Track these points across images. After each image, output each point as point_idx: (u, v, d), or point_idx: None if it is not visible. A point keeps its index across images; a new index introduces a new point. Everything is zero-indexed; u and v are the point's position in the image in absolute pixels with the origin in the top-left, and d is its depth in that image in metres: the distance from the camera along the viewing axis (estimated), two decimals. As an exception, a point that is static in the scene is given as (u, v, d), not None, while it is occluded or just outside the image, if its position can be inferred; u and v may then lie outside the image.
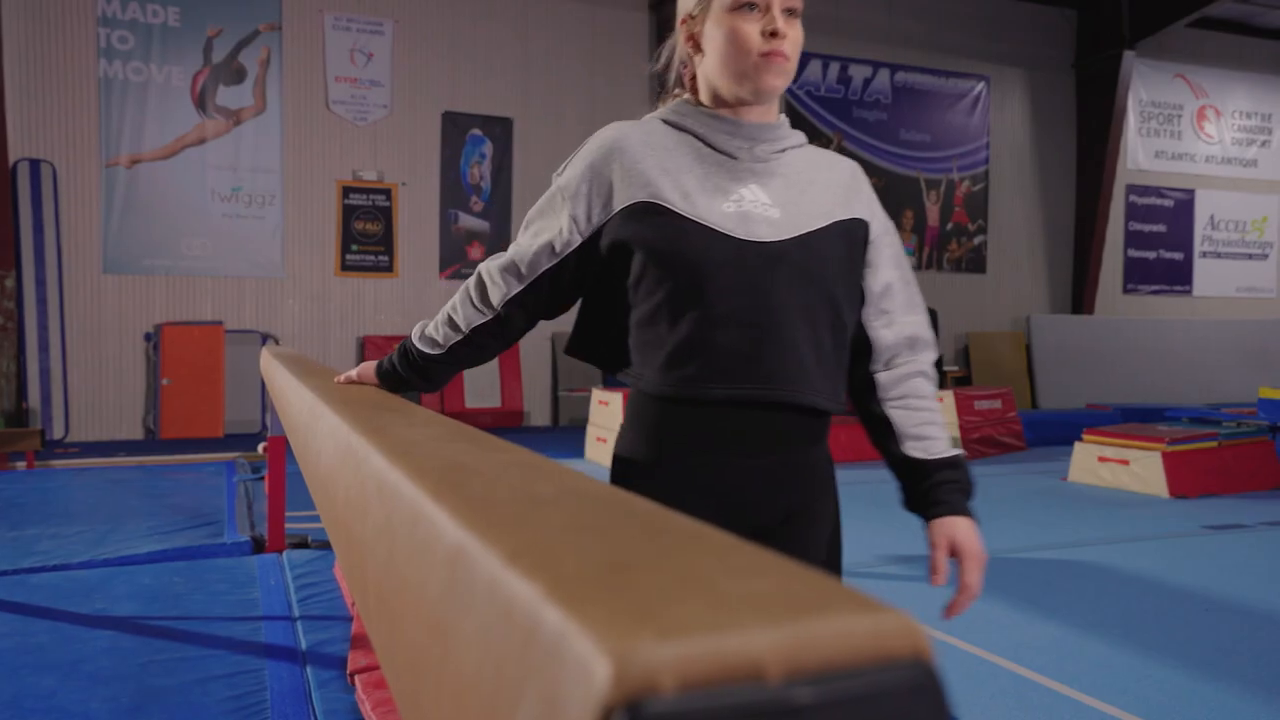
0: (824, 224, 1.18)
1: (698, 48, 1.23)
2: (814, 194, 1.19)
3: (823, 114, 12.20)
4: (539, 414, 11.12)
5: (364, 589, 0.66)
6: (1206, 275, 14.99)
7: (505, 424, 10.45)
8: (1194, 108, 14.73)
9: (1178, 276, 14.81)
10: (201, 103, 9.70)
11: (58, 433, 9.09)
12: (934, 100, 12.87)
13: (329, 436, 0.91)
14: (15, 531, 4.31)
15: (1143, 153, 14.49)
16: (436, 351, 1.30)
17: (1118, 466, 6.57)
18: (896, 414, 1.25)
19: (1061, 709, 2.62)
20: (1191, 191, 14.85)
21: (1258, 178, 15.33)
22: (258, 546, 4.11)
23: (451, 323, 1.27)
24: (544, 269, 1.20)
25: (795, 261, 1.13)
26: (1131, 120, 14.21)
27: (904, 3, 12.58)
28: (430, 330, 1.30)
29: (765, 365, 1.11)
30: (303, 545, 4.12)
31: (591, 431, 7.87)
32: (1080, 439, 6.97)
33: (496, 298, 1.23)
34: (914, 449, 1.23)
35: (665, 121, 1.23)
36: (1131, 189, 14.43)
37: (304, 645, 2.89)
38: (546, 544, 0.35)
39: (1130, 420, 9.84)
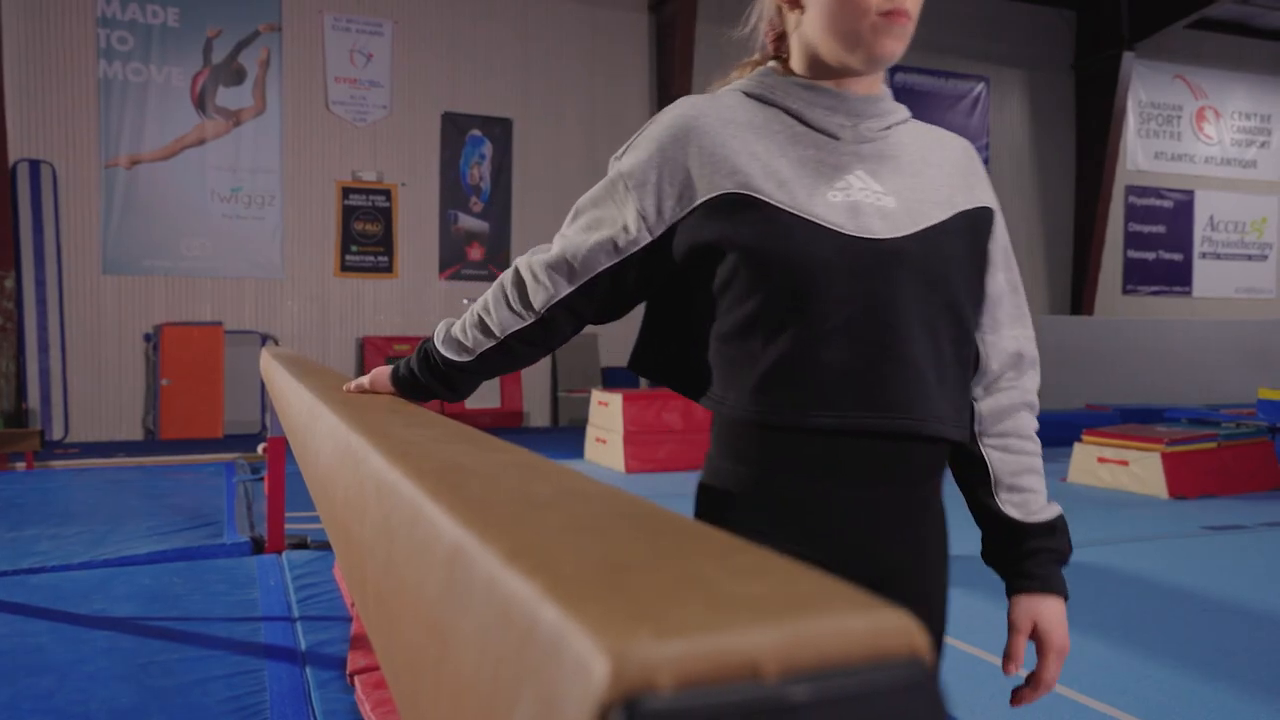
0: (946, 215, 1.00)
1: (795, 3, 1.01)
2: (931, 179, 1.02)
3: (822, 115, 12.22)
4: (539, 415, 11.13)
5: (363, 589, 0.66)
6: (1206, 276, 15.00)
7: (505, 425, 10.45)
8: (1193, 108, 14.75)
9: (1177, 277, 14.82)
10: (201, 103, 9.71)
11: (57, 433, 9.09)
12: (933, 101, 12.88)
13: (328, 436, 0.91)
14: (14, 532, 4.31)
15: (1142, 153, 14.50)
16: (464, 358, 1.10)
17: (1117, 467, 6.57)
18: (994, 456, 1.06)
19: (1061, 709, 2.62)
20: (1191, 192, 14.86)
21: (1257, 178, 15.34)
22: (257, 547, 4.11)
23: (483, 325, 1.07)
24: (602, 269, 1.00)
25: (916, 262, 0.95)
26: (1131, 121, 14.22)
27: (903, 3, 12.59)
28: (457, 332, 1.10)
29: (882, 389, 0.93)
30: (302, 546, 4.13)
31: (591, 432, 7.87)
32: (1079, 440, 6.98)
33: (540, 300, 1.03)
34: (1010, 504, 1.06)
35: (748, 95, 1.03)
36: (1131, 190, 14.44)
37: (303, 646, 2.89)
38: (545, 544, 0.35)
39: (1130, 421, 9.85)
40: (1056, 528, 1.06)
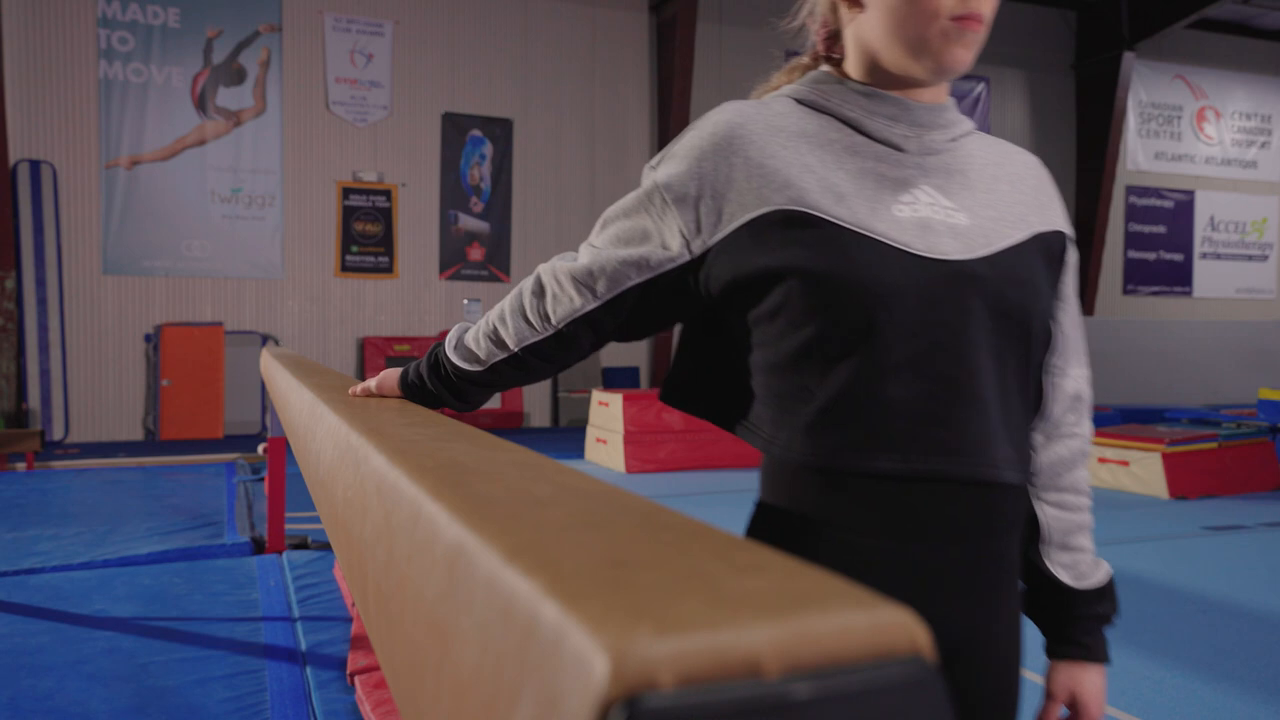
0: (1023, 236, 0.90)
1: (855, 1, 0.91)
2: (1004, 196, 0.92)
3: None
4: (539, 415, 11.13)
5: (364, 589, 0.66)
6: (1206, 276, 15.00)
7: (505, 425, 10.45)
8: (1194, 109, 14.75)
9: (1178, 278, 14.82)
10: (201, 104, 9.71)
11: (58, 434, 9.09)
12: (934, 101, 12.87)
13: (328, 436, 0.91)
14: (15, 532, 4.31)
15: (1142, 154, 14.50)
16: (474, 368, 1.03)
17: (1117, 467, 6.58)
18: (1049, 513, 0.98)
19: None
20: (1191, 193, 14.87)
21: (1257, 179, 15.35)
22: (258, 547, 4.11)
23: (497, 335, 1.00)
24: (630, 285, 0.91)
25: (990, 287, 0.86)
26: (1131, 121, 14.22)
27: (904, 4, 12.60)
28: (470, 340, 1.03)
29: (954, 430, 0.84)
30: (302, 546, 4.13)
31: (591, 433, 7.87)
32: (1080, 440, 6.97)
33: (560, 313, 0.95)
34: (1060, 565, 0.98)
35: (800, 101, 0.92)
36: (1131, 190, 14.44)
37: (304, 646, 2.89)
38: (545, 542, 0.35)
39: (1130, 421, 9.85)
40: (1108, 592, 0.99)
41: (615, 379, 11.04)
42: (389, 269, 10.43)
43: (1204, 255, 15.00)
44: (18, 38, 9.02)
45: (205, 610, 3.25)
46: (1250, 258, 15.34)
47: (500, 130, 10.84)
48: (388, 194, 10.42)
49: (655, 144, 11.49)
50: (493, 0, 10.74)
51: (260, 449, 5.30)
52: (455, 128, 10.67)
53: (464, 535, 0.38)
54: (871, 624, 0.25)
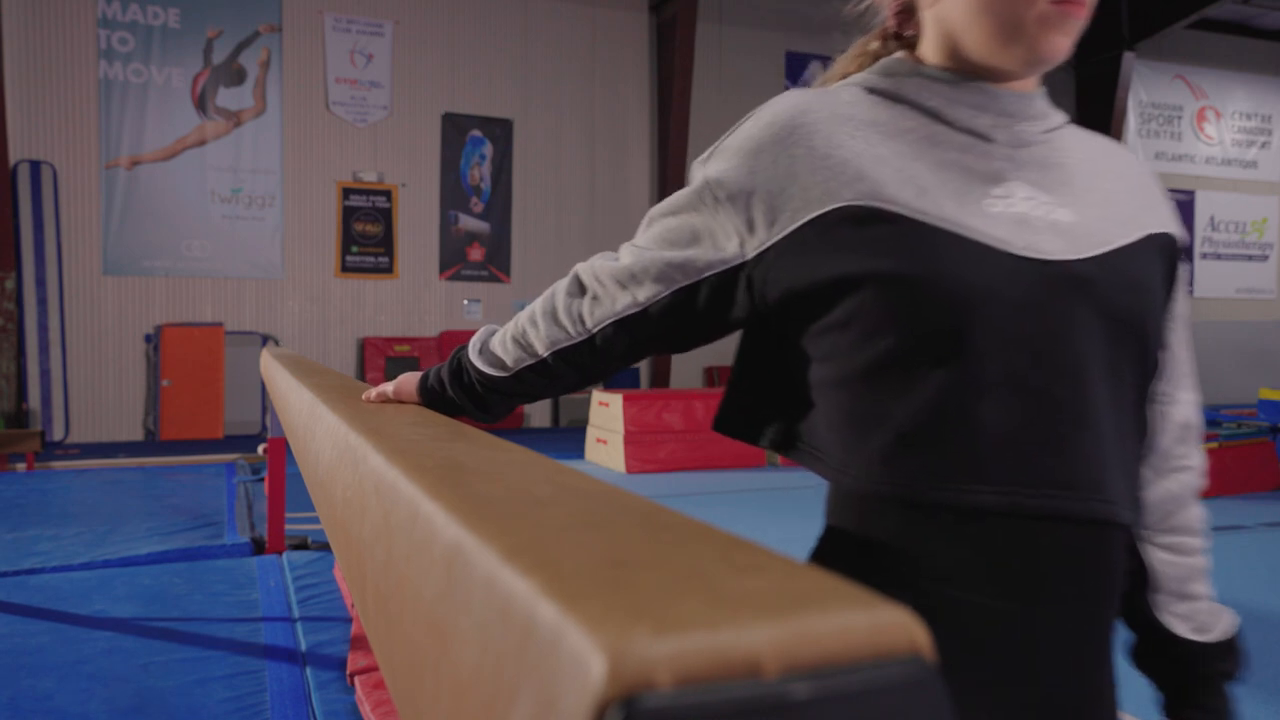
0: (1136, 236, 0.79)
1: None
2: (1110, 192, 0.81)
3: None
4: (539, 415, 11.12)
5: (362, 589, 0.66)
6: (1206, 276, 15.00)
7: (505, 425, 10.45)
8: (1194, 109, 14.75)
9: (1178, 277, 14.83)
10: (201, 104, 9.71)
11: (58, 434, 9.09)
12: (934, 101, 12.88)
13: (327, 436, 0.91)
14: (15, 533, 4.31)
15: (1143, 154, 14.50)
16: (499, 374, 0.93)
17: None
18: (1160, 558, 0.86)
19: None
20: (1191, 193, 14.87)
21: (1258, 179, 15.35)
22: (258, 548, 4.11)
23: (525, 339, 0.91)
24: (676, 288, 0.81)
25: (1101, 291, 0.74)
26: (1131, 121, 14.22)
27: (904, 4, 12.60)
28: (495, 345, 0.94)
29: (1061, 458, 0.71)
30: (303, 546, 4.13)
31: (591, 433, 7.87)
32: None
33: (598, 315, 0.86)
34: (1177, 617, 0.87)
35: (871, 90, 0.81)
36: (1131, 190, 14.45)
37: (304, 646, 2.89)
38: (544, 541, 0.35)
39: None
40: (1235, 645, 0.88)
41: (615, 379, 11.05)
42: (389, 269, 10.44)
43: (1204, 255, 15.00)
44: (18, 38, 9.03)
45: (205, 611, 3.25)
46: (1250, 258, 15.34)
47: (500, 130, 10.85)
48: (388, 194, 10.42)
49: (655, 144, 11.50)
50: (493, 0, 10.75)
51: (260, 449, 5.30)
52: (455, 128, 10.67)
53: (462, 535, 0.38)
54: (871, 624, 0.25)
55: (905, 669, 0.24)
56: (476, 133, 10.76)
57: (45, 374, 9.06)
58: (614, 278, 0.84)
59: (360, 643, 2.76)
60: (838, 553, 0.78)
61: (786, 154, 0.76)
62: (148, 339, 9.52)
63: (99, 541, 4.15)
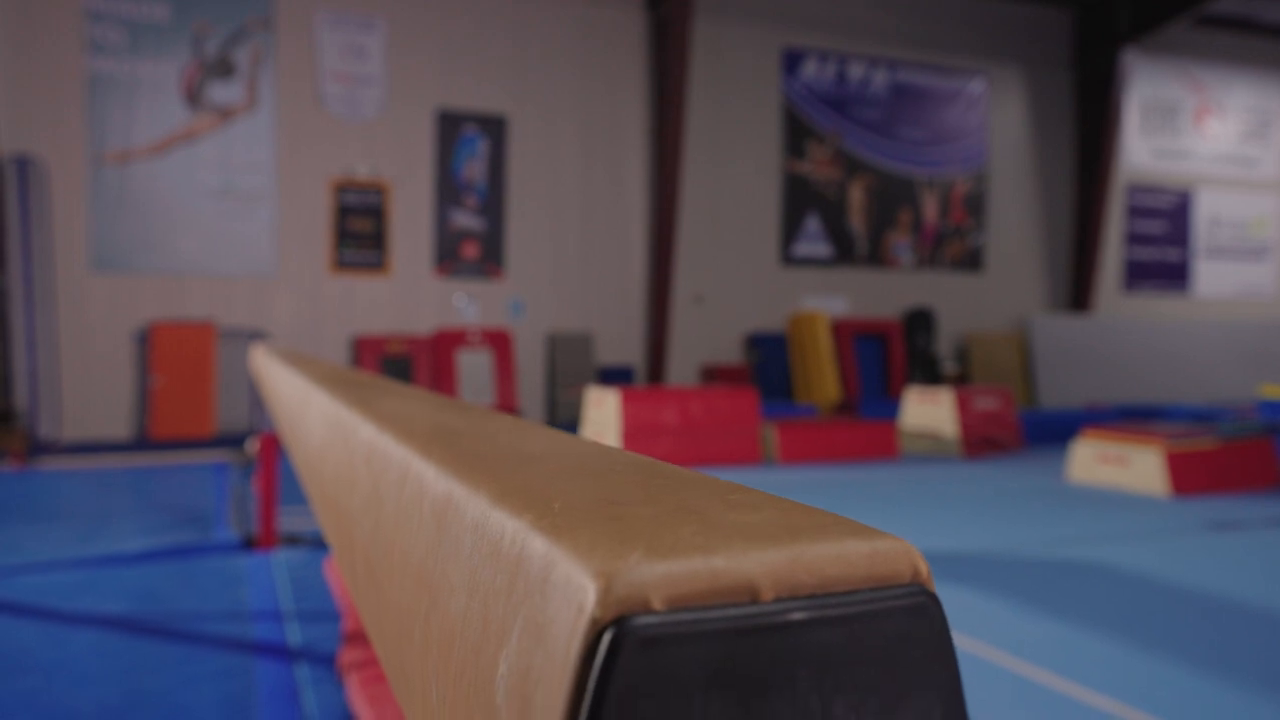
0: None
1: None
2: None
3: (820, 112, 12.23)
4: (534, 412, 11.10)
5: (352, 561, 0.65)
6: (1206, 275, 15.03)
7: (498, 423, 10.42)
8: (1194, 105, 14.75)
9: (1177, 276, 14.86)
10: (191, 99, 9.66)
11: (47, 432, 9.03)
12: (932, 98, 12.90)
13: (319, 415, 0.90)
14: (3, 531, 4.28)
15: (1142, 151, 14.51)
16: None
17: (1117, 466, 6.59)
18: None
19: (1061, 704, 2.62)
20: (1192, 191, 14.89)
21: (1258, 177, 15.37)
22: (248, 545, 4.09)
23: None
24: None
25: None
26: (1131, 118, 14.24)
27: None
28: None
29: None
30: (293, 543, 4.11)
31: (587, 430, 7.86)
32: (1080, 437, 7.00)
33: None
34: None
35: None
36: (1131, 188, 14.47)
37: (294, 643, 2.87)
38: (535, 487, 0.34)
39: (1130, 419, 9.90)
40: None
41: (610, 377, 11.03)
42: (382, 266, 10.40)
43: (1204, 254, 15.02)
44: (3, 32, 8.96)
45: (195, 608, 3.23)
46: (1250, 257, 15.37)
47: (494, 127, 10.82)
48: (381, 191, 10.39)
49: (651, 140, 11.48)
50: (486, -2, 10.72)
51: (251, 446, 5.28)
52: (449, 124, 10.64)
53: (452, 485, 0.37)
54: (870, 551, 0.25)
55: (905, 594, 0.24)
56: (471, 129, 10.73)
57: (34, 372, 9.00)
58: None
59: (352, 638, 2.75)
60: None
61: None
62: (137, 337, 9.47)
63: (87, 539, 4.12)
